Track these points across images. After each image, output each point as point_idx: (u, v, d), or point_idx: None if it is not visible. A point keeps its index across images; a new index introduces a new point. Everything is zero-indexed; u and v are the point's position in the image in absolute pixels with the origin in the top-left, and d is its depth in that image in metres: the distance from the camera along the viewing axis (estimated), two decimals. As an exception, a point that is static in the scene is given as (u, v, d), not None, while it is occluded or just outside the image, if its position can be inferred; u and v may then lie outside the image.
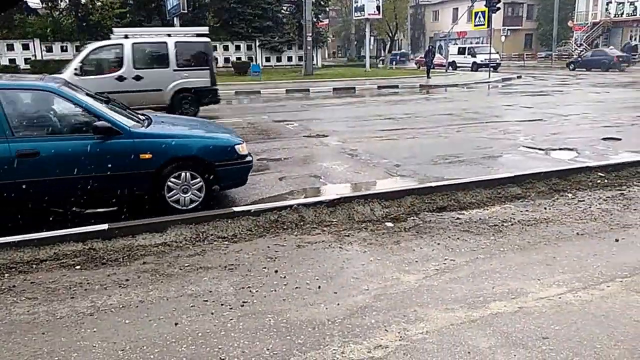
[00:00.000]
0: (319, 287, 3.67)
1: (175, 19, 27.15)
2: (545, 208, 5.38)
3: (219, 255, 4.25)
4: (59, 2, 31.39)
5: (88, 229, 4.58)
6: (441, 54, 39.39)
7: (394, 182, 6.64)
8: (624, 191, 5.90)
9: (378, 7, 33.79)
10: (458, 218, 5.12)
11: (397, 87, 22.25)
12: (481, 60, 33.19)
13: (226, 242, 4.52)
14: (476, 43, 43.27)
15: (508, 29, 52.20)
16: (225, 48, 35.85)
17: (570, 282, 3.70)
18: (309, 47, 27.85)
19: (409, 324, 3.17)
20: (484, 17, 25.69)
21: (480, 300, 3.45)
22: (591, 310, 3.31)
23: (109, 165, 4.95)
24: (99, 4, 30.42)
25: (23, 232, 4.47)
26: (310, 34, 27.33)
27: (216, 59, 33.88)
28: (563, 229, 4.78)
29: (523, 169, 6.71)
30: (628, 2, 43.17)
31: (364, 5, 33.24)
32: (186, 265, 4.06)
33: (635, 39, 40.21)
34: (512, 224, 4.92)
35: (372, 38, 47.88)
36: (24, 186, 4.72)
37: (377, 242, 4.52)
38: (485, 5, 25.06)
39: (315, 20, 35.26)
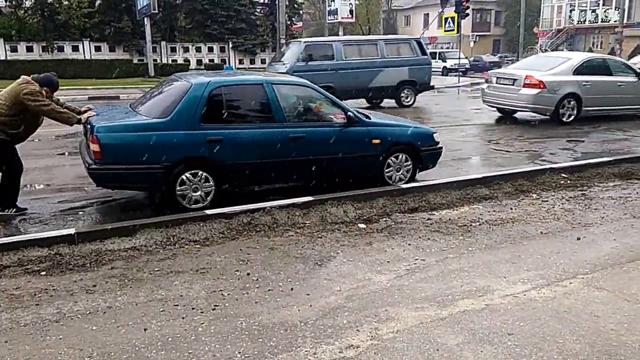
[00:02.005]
0: (292, 288, 3.69)
1: (145, 19, 26.79)
2: (511, 208, 5.53)
3: (191, 258, 4.22)
4: (24, 1, 30.56)
5: (53, 233, 4.49)
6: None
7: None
8: (585, 191, 6.11)
9: (351, 11, 34.10)
10: (429, 219, 5.21)
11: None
12: (451, 65, 33.76)
13: (198, 246, 4.49)
14: (446, 48, 43.98)
15: (477, 35, 53.30)
16: (198, 49, 35.55)
17: (534, 280, 3.82)
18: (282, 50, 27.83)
19: (380, 323, 3.22)
20: (453, 23, 26.08)
21: (449, 299, 3.53)
22: (554, 306, 3.43)
23: (351, 148, 5.96)
24: (66, 3, 29.76)
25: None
26: (284, 37, 27.25)
27: (188, 60, 33.64)
28: (528, 228, 4.92)
29: (491, 170, 6.87)
30: (590, 9, 44.66)
31: (337, 9, 33.50)
32: (156, 269, 4.02)
33: (596, 46, 41.53)
34: (480, 224, 5.05)
35: (345, 41, 48.15)
36: (293, 163, 5.72)
37: (350, 244, 4.56)
38: (455, 12, 25.46)
39: (289, 22, 35.24)
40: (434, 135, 6.51)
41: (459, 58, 28.85)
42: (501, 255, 4.31)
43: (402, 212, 5.39)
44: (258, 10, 38.80)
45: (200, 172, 5.28)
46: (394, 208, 5.47)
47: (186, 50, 35.16)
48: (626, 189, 6.18)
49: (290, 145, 5.59)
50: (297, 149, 5.64)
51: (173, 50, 34.82)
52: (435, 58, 37.45)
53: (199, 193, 5.32)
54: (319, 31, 53.77)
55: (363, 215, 5.25)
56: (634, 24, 39.07)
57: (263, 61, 37.82)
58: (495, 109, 12.67)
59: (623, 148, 8.88)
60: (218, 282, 3.79)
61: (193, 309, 3.40)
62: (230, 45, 36.01)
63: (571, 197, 5.87)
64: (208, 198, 5.36)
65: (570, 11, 46.19)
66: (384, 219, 5.20)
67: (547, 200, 5.77)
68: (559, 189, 6.19)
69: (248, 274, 3.91)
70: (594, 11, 44.39)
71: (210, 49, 35.97)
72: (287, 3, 33.27)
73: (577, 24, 45.40)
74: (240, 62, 36.75)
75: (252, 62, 37.30)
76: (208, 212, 5.01)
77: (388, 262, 4.17)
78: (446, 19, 27.44)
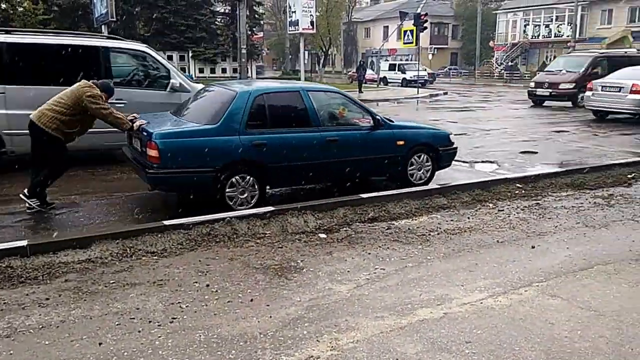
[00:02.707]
0: (251, 300, 3.65)
1: (103, 27, 26.15)
2: (468, 217, 5.66)
3: (148, 270, 4.11)
4: (-24, 7, 29.35)
5: (4, 246, 4.28)
6: (373, 70, 40.52)
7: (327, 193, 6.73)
8: (539, 201, 6.33)
9: (312, 22, 34.26)
10: (388, 228, 5.27)
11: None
12: (410, 77, 34.46)
13: (155, 257, 4.38)
14: (406, 60, 44.94)
15: (435, 47, 54.72)
16: (157, 58, 34.91)
17: (491, 288, 3.91)
18: (243, 59, 27.66)
19: (340, 333, 3.22)
20: (412, 36, 26.72)
21: (409, 308, 3.57)
22: (510, 314, 3.51)
23: (378, 149, 6.46)
24: (21, 9, 28.72)
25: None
26: (245, 46, 27.12)
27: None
28: (485, 237, 5.04)
29: (449, 180, 7.02)
30: (543, 24, 46.68)
31: (298, 20, 33.63)
32: (112, 282, 3.89)
33: (550, 59, 43.30)
34: (438, 233, 5.14)
35: (307, 52, 48.48)
36: (328, 165, 6.13)
37: (310, 253, 4.55)
38: (414, 25, 26.10)
39: (250, 32, 35.22)
40: (450, 136, 7.21)
41: (418, 70, 29.51)
42: (459, 263, 4.39)
43: (362, 222, 5.43)
44: (219, 19, 38.58)
45: (246, 175, 5.63)
46: (354, 218, 5.51)
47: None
48: (578, 199, 6.43)
49: (325, 147, 6.02)
50: (332, 151, 6.07)
51: (132, 58, 34.10)
52: (395, 70, 38.33)
53: (245, 195, 5.64)
54: (280, 42, 54.02)
55: (324, 225, 5.26)
56: (585, 39, 41.30)
57: (224, 70, 37.56)
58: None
59: None
60: (176, 294, 3.70)
61: (150, 322, 3.31)
62: (190, 54, 35.59)
63: (526, 207, 6.06)
64: (253, 200, 5.68)
65: (525, 26, 48.21)
66: (345, 228, 5.22)
67: (503, 210, 5.94)
68: (514, 199, 6.39)
69: (207, 286, 3.84)
70: (547, 26, 46.47)
71: (170, 58, 35.26)
72: (248, 13, 33.25)
73: (532, 38, 47.39)
74: (201, 71, 36.36)
75: (213, 71, 36.99)
76: (166, 222, 4.90)
77: (348, 271, 4.18)
78: (405, 31, 28.09)
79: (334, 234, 5.06)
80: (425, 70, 36.88)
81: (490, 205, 6.13)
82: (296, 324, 3.31)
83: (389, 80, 37.40)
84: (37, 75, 7.31)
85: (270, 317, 3.40)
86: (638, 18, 40.10)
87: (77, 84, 5.45)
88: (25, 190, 5.51)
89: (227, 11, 38.74)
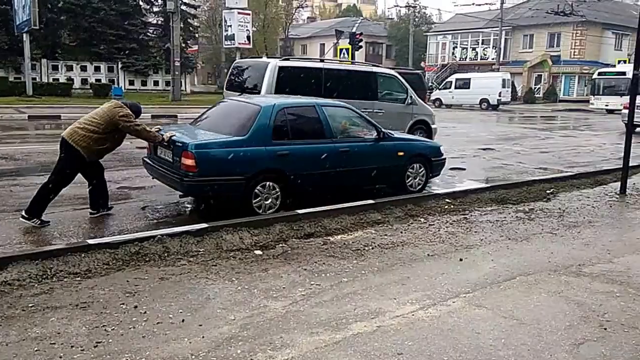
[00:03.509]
0: (183, 320, 3.53)
1: (24, 35, 24.78)
2: (401, 232, 5.81)
3: (70, 292, 3.88)
4: None
5: None
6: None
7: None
8: (467, 215, 6.61)
9: (248, 37, 34.32)
10: (324, 244, 5.30)
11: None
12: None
13: (78, 278, 4.14)
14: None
15: (370, 66, 56.18)
16: (84, 68, 33.30)
17: (422, 300, 4.03)
18: (176, 73, 27.12)
19: (275, 351, 3.18)
20: (348, 54, 27.36)
21: (343, 322, 3.59)
22: (439, 325, 3.63)
23: (383, 159, 7.12)
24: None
25: None
26: (179, 59, 26.65)
27: (72, 79, 31.50)
28: (416, 251, 5.19)
29: (383, 196, 7.19)
30: (470, 47, 49.46)
31: (234, 34, 33.54)
32: (30, 305, 3.64)
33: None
34: (372, 248, 5.23)
35: (243, 67, 48.20)
36: (341, 173, 6.68)
37: (246, 271, 4.49)
38: (349, 43, 26.80)
39: (184, 45, 34.56)
40: (441, 148, 7.96)
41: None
42: (392, 277, 4.49)
43: (298, 238, 5.43)
44: (151, 30, 37.57)
45: (271, 183, 6.07)
46: (290, 234, 5.50)
47: (70, 68, 32.80)
48: (502, 213, 6.78)
49: (338, 157, 6.59)
50: (344, 160, 6.65)
51: (55, 68, 32.34)
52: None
53: (270, 201, 6.07)
54: (215, 55, 53.34)
55: (259, 242, 5.21)
56: (508, 62, 44.35)
57: (156, 83, 36.43)
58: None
59: None
60: (101, 317, 3.51)
61: (72, 346, 3.12)
62: (120, 66, 34.33)
63: (454, 221, 6.31)
64: (276, 204, 6.12)
65: (454, 48, 50.86)
66: (281, 244, 5.20)
67: (433, 224, 6.15)
68: (443, 214, 6.64)
69: (135, 307, 3.68)
70: (474, 49, 49.34)
71: (97, 69, 33.96)
72: (182, 25, 32.69)
73: (460, 60, 50.00)
74: (131, 83, 35.14)
75: (144, 83, 35.84)
76: (90, 241, 4.66)
77: (284, 288, 4.16)
78: (341, 49, 28.69)
79: (269, 251, 5.02)
80: None
81: (422, 219, 6.33)
82: (230, 344, 3.24)
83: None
84: (337, 92, 9.45)
85: (203, 337, 3.31)
86: (556, 44, 43.51)
87: (108, 104, 5.75)
88: (24, 212, 5.49)
89: (160, 22, 37.82)
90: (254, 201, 5.93)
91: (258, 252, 4.97)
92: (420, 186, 7.59)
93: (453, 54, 50.95)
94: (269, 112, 6.14)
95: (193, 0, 40.33)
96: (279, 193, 6.12)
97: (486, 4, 48.46)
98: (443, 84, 38.32)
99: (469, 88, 35.22)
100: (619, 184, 8.22)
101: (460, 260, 4.97)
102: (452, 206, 6.98)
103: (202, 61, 58.23)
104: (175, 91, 27.32)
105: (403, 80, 11.38)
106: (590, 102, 31.95)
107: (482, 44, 48.59)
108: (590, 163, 11.45)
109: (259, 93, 9.25)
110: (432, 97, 34.88)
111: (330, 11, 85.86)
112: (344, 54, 27.82)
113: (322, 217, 6.00)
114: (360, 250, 5.13)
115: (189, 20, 38.55)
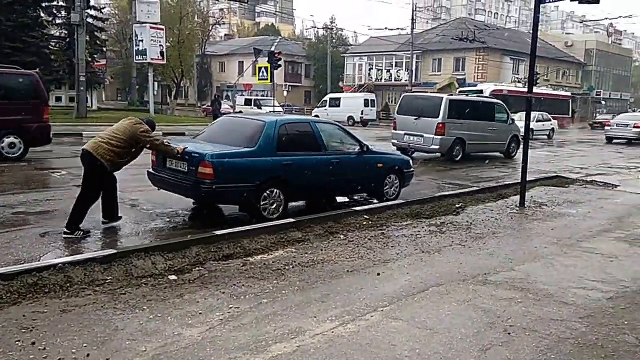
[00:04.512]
0: (88, 355, 3.27)
1: None
2: (322, 250, 5.82)
3: (-45, 332, 3.47)
4: None
5: None
6: (230, 104, 40.59)
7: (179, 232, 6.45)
8: (384, 231, 6.77)
9: (162, 53, 33.33)
10: (244, 265, 5.18)
11: (184, 134, 21.98)
12: (267, 112, 35.18)
13: (-34, 316, 3.72)
14: (262, 96, 45.83)
15: (290, 85, 56.85)
16: (-26, 83, 30.52)
17: (341, 316, 4.03)
18: (82, 88, 25.54)
19: (189, 381, 3.02)
20: (267, 73, 27.42)
21: (263, 345, 3.50)
22: (358, 340, 3.64)
23: (366, 170, 8.09)
24: None
25: None
26: (84, 74, 25.14)
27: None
28: (336, 268, 5.22)
29: (304, 215, 7.20)
30: (385, 69, 51.68)
31: (146, 49, 32.40)
32: None
33: (392, 100, 47.67)
34: (293, 267, 5.19)
35: (157, 83, 46.76)
36: (332, 182, 7.65)
37: (159, 298, 4.26)
38: (268, 62, 26.88)
39: (90, 60, 32.75)
40: (410, 161, 9.12)
41: (274, 106, 30.29)
42: (312, 295, 4.46)
43: (216, 260, 5.26)
44: (53, 43, 35.29)
45: (277, 190, 6.83)
46: (208, 256, 5.32)
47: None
48: (416, 227, 7.01)
49: (331, 168, 7.48)
50: (335, 171, 7.53)
51: (-60, 82, 29.42)
52: (251, 105, 38.83)
53: (274, 206, 6.83)
54: (126, 70, 51.15)
55: (174, 266, 4.99)
56: (420, 83, 47.10)
57: (59, 99, 34.18)
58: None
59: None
60: (-8, 358, 3.17)
61: (-45, 396, 2.77)
62: (19, 80, 31.84)
63: (372, 237, 6.43)
64: (280, 210, 6.88)
65: (370, 70, 52.88)
66: (198, 268, 5.01)
67: (352, 241, 6.22)
68: (362, 230, 6.75)
69: (33, 344, 3.36)
70: (388, 71, 51.72)
71: (-8, 83, 31.26)
72: (89, 39, 31.06)
73: (376, 81, 52.08)
74: (33, 98, 32.68)
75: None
76: (-18, 273, 4.22)
77: (200, 313, 3.99)
78: (260, 68, 28.72)
79: (185, 275, 4.82)
80: (283, 106, 38.45)
81: (342, 236, 6.39)
82: (140, 377, 3.03)
83: (245, 115, 37.62)
84: (477, 116, 15.47)
85: (110, 372, 3.08)
86: (462, 67, 46.80)
87: (128, 121, 6.25)
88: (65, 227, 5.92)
89: (63, 35, 35.66)
90: (262, 203, 6.67)
91: (173, 277, 4.75)
92: (394, 195, 8.53)
93: (369, 75, 52.91)
94: (273, 127, 6.94)
95: (101, 13, 38.55)
96: (282, 198, 6.87)
97: (398, 28, 51.19)
98: (321, 102, 40.80)
99: (339, 107, 37.68)
100: (518, 197, 8.84)
101: (378, 274, 5.06)
102: (370, 222, 7.12)
103: (111, 76, 55.71)
104: (81, 107, 25.75)
105: (504, 105, 16.98)
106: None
107: (396, 66, 51.02)
108: (493, 178, 12.24)
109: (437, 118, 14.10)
110: (313, 114, 36.92)
111: (249, 29, 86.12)
112: (263, 72, 27.86)
113: (242, 238, 5.87)
114: (281, 270, 5.07)
115: (96, 33, 36.60)
